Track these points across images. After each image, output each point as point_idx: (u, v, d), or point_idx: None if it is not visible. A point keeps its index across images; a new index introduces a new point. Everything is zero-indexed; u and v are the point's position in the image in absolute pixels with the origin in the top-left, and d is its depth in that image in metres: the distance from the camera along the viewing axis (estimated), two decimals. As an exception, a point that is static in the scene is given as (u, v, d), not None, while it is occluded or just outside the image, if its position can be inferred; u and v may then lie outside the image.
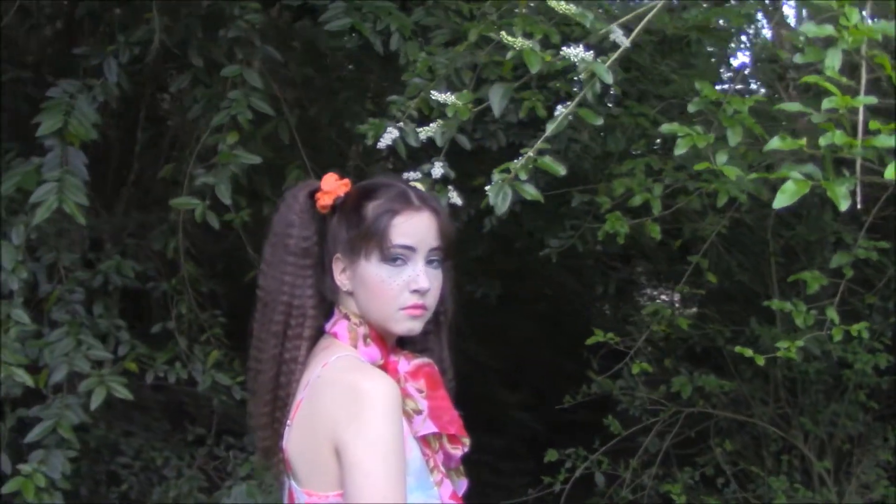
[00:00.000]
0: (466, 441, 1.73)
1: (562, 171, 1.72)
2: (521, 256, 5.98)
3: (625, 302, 6.46)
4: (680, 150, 1.60)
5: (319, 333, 1.71)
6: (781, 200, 1.30)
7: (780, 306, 2.60)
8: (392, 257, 1.62)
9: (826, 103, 1.27)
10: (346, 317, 1.69)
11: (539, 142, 1.67)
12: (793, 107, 1.42)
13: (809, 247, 4.33)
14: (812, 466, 4.25)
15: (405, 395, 1.65)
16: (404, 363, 1.71)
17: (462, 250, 4.92)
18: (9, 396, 3.50)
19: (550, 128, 1.63)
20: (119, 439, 4.52)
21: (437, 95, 1.81)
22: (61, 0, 3.99)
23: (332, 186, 1.70)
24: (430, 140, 2.61)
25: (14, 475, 3.17)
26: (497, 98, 1.75)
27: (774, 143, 1.34)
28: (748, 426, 4.48)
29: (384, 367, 1.66)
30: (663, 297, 6.29)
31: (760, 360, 2.39)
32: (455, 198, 2.57)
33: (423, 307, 1.65)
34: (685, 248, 4.32)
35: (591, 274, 5.85)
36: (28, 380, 2.96)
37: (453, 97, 1.77)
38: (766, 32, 4.97)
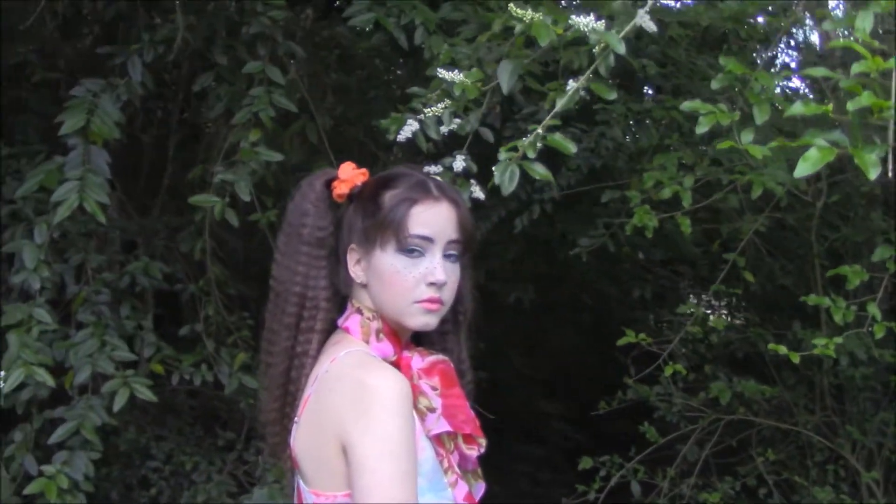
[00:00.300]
0: (483, 441, 1.66)
1: (572, 148, 1.62)
2: (557, 261, 5.86)
3: (668, 311, 6.28)
4: (702, 128, 1.50)
5: (332, 328, 1.64)
6: (803, 169, 1.20)
7: (817, 301, 2.46)
8: (409, 248, 1.55)
9: (856, 67, 1.17)
10: (359, 311, 1.63)
11: (549, 118, 1.58)
12: (819, 72, 1.31)
13: (856, 248, 4.15)
14: (860, 477, 4.07)
15: (418, 392, 1.58)
16: (418, 359, 1.63)
17: (494, 253, 4.85)
18: (36, 398, 3.51)
19: (560, 103, 1.55)
20: (150, 443, 4.51)
21: (443, 73, 1.73)
22: (95, 3, 3.97)
23: (350, 175, 1.64)
24: (458, 136, 2.55)
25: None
26: (506, 75, 1.67)
27: (797, 107, 1.24)
28: (792, 435, 4.31)
29: (397, 364, 1.59)
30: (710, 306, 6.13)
31: (795, 358, 2.27)
32: (477, 192, 2.50)
33: (439, 301, 1.58)
34: (726, 251, 4.19)
35: (633, 282, 5.70)
36: (49, 379, 2.93)
37: (461, 75, 1.68)
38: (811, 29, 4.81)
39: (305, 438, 1.57)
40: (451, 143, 2.59)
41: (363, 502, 1.43)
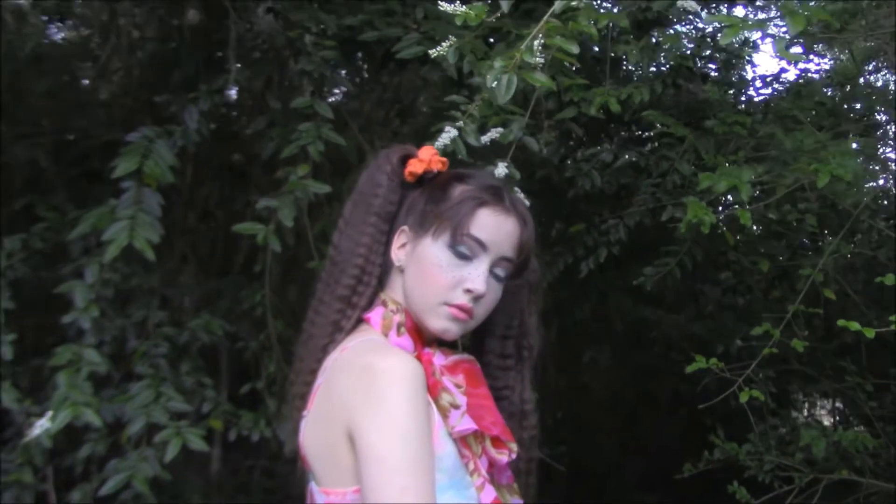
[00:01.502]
0: (514, 447, 1.49)
1: (574, 49, 1.49)
2: (653, 352, 5.60)
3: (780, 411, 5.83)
4: (725, 40, 1.36)
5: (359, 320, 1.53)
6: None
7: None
8: (460, 246, 1.45)
9: None
10: (384, 303, 1.52)
11: (546, 17, 1.45)
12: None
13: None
14: None
15: (440, 387, 1.44)
16: (440, 357, 1.50)
17: (567, 312, 4.66)
18: (95, 455, 3.46)
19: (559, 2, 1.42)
20: (215, 516, 4.39)
21: (444, 6, 1.63)
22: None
23: (428, 157, 1.56)
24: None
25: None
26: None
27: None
28: (908, 499, 3.87)
29: (416, 360, 1.46)
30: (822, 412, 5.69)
31: (870, 333, 1.99)
32: (522, 199, 2.39)
33: (469, 312, 1.45)
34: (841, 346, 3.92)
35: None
36: (97, 419, 2.87)
37: (464, 7, 1.58)
38: None
39: (314, 432, 1.44)
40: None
41: (372, 494, 1.28)
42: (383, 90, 3.80)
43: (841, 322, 2.13)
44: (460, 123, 2.40)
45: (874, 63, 5.55)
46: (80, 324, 2.94)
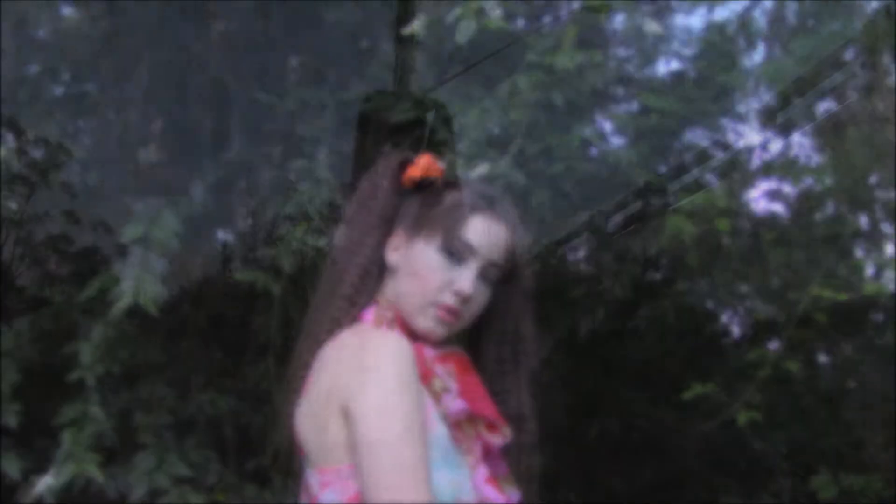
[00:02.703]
0: (507, 431, 1.52)
1: None
2: (673, 464, 5.47)
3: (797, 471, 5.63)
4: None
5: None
6: None
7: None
8: (451, 249, 1.50)
9: None
10: (377, 302, 1.58)
11: None
12: None
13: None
14: None
15: (432, 374, 1.49)
16: (430, 350, 1.55)
17: (570, 382, 4.63)
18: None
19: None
20: None
21: None
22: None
23: (426, 164, 1.61)
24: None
25: None
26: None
27: None
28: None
29: None
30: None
31: (842, 297, 2.00)
32: (513, 209, 2.48)
33: (457, 313, 1.51)
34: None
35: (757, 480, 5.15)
36: (99, 475, 2.87)
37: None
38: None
39: (307, 415, 1.47)
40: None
41: (367, 464, 1.31)
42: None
43: (814, 290, 2.14)
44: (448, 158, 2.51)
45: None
46: (86, 381, 2.98)
